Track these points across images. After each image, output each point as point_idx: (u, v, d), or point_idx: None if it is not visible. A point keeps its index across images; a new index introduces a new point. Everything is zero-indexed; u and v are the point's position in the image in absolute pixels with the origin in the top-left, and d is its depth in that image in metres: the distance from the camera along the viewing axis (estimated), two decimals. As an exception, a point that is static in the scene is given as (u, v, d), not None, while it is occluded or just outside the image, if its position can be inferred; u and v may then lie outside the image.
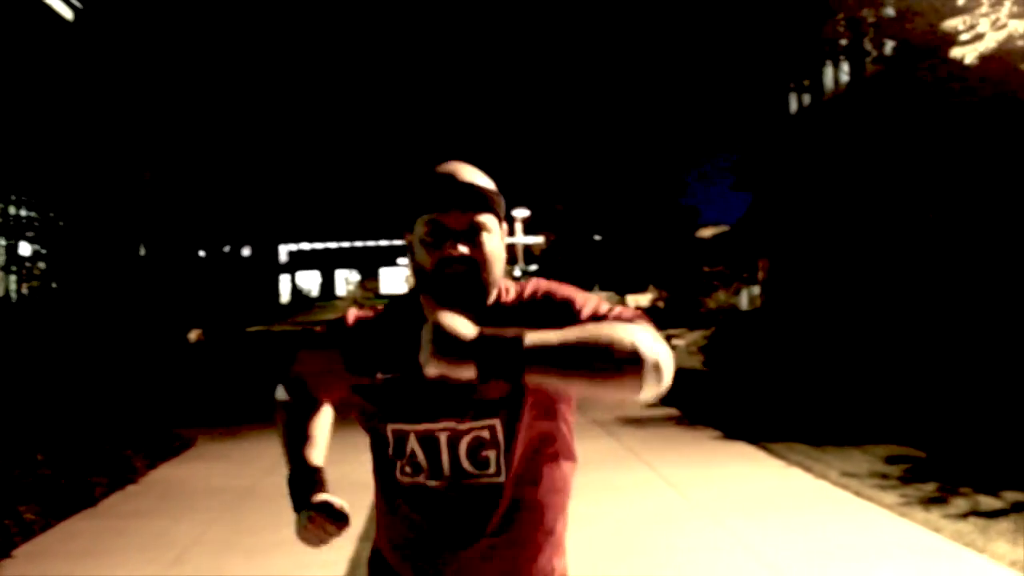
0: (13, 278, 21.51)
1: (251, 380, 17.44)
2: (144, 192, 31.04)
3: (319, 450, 2.25)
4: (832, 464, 9.37)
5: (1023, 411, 11.09)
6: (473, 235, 1.99)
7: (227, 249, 52.35)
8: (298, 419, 2.29)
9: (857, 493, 8.11)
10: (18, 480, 8.74)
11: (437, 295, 1.98)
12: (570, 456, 2.14)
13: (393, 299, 2.22)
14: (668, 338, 23.72)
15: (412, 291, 2.14)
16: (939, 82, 8.35)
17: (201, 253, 49.09)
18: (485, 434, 2.01)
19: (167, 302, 29.16)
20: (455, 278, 1.97)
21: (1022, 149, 9.90)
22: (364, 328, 2.18)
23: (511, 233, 43.77)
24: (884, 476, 8.79)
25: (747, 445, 10.72)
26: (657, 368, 1.81)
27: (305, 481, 2.13)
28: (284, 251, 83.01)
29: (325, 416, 2.34)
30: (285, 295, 79.62)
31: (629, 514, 7.70)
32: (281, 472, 2.26)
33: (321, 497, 2.07)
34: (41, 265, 21.48)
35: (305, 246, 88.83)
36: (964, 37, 6.88)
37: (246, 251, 54.77)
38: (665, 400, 15.02)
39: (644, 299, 50.87)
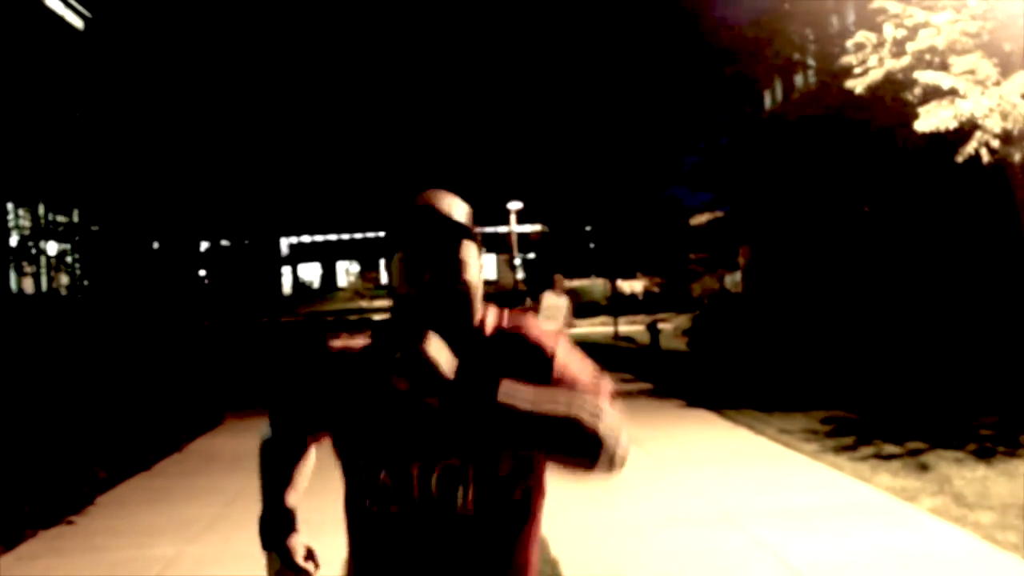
0: (62, 276, 23.04)
1: (260, 367, 19.06)
2: (154, 190, 32.44)
3: (295, 491, 2.32)
4: (774, 424, 11.03)
5: (943, 379, 12.79)
6: (453, 266, 2.04)
7: (227, 243, 53.78)
8: (277, 458, 2.33)
9: (786, 445, 9.79)
10: (87, 447, 10.41)
11: (420, 323, 1.99)
12: (540, 489, 2.14)
13: (377, 327, 2.23)
14: (656, 322, 25.42)
15: (394, 318, 2.15)
16: (841, 107, 9.94)
17: (204, 246, 50.56)
18: (456, 468, 2.02)
19: (180, 294, 30.73)
20: (437, 307, 2.03)
21: (909, 159, 11.55)
22: (345, 364, 2.18)
23: (506, 223, 45.28)
24: (813, 432, 10.46)
25: (706, 411, 12.40)
26: (611, 461, 1.93)
27: (277, 522, 2.23)
28: (285, 244, 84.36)
29: (305, 455, 2.37)
30: (287, 287, 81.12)
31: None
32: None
33: (292, 543, 2.19)
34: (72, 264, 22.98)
35: (306, 238, 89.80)
36: (857, 71, 8.50)
37: (247, 244, 56.01)
38: (641, 376, 16.72)
39: (638, 285, 52.44)
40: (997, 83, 7.89)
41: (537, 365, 2.04)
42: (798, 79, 23.39)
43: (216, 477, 9.65)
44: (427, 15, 79.26)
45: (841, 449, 9.44)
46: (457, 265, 2.05)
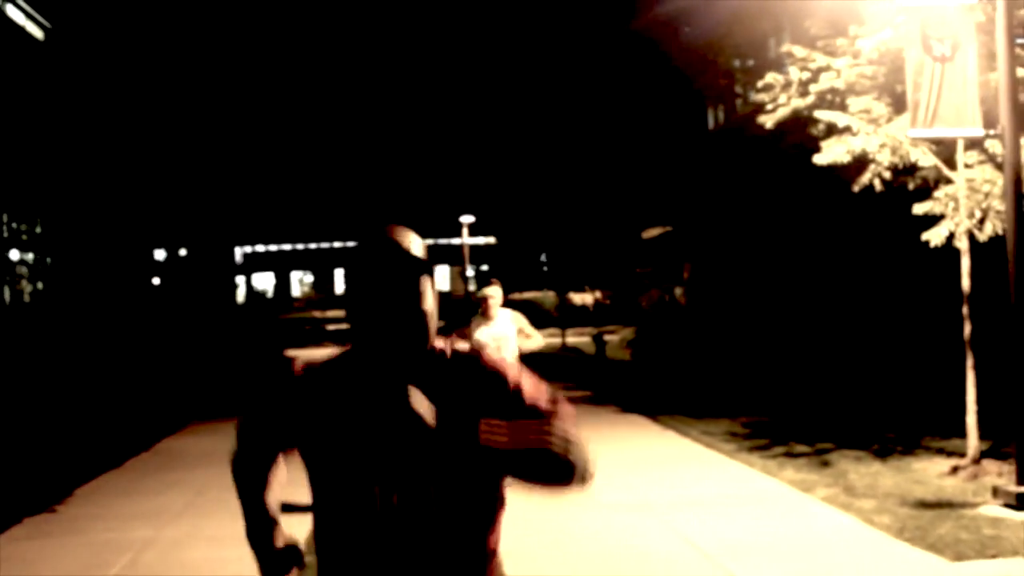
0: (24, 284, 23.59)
1: (227, 380, 19.79)
2: (112, 198, 32.93)
3: (274, 497, 2.41)
4: (699, 428, 12.01)
5: (860, 387, 13.87)
6: (413, 296, 2.17)
7: (184, 252, 54.18)
8: (251, 471, 2.42)
9: (708, 445, 10.77)
10: (61, 446, 11.16)
11: (379, 349, 2.16)
12: (502, 501, 2.27)
13: (338, 358, 2.31)
14: (602, 334, 26.41)
15: (356, 345, 2.25)
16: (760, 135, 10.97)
17: (159, 256, 50.96)
18: (422, 485, 2.13)
19: (138, 302, 31.29)
20: (399, 333, 2.16)
21: (814, 184, 12.68)
22: (314, 385, 2.27)
23: (459, 235, 46.15)
24: (734, 435, 11.45)
25: (640, 417, 13.37)
26: (583, 480, 2.18)
27: (264, 534, 2.35)
28: (239, 253, 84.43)
29: (278, 466, 2.44)
30: (241, 296, 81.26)
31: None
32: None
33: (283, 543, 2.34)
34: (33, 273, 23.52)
35: (260, 248, 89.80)
36: (768, 108, 9.51)
37: (199, 253, 56.34)
38: (582, 384, 17.68)
39: (589, 297, 53.41)
40: (890, 120, 8.92)
41: (499, 392, 2.20)
42: (738, 101, 24.60)
43: (184, 472, 10.42)
44: (381, 29, 79.92)
45: (755, 449, 10.43)
46: (417, 296, 2.17)
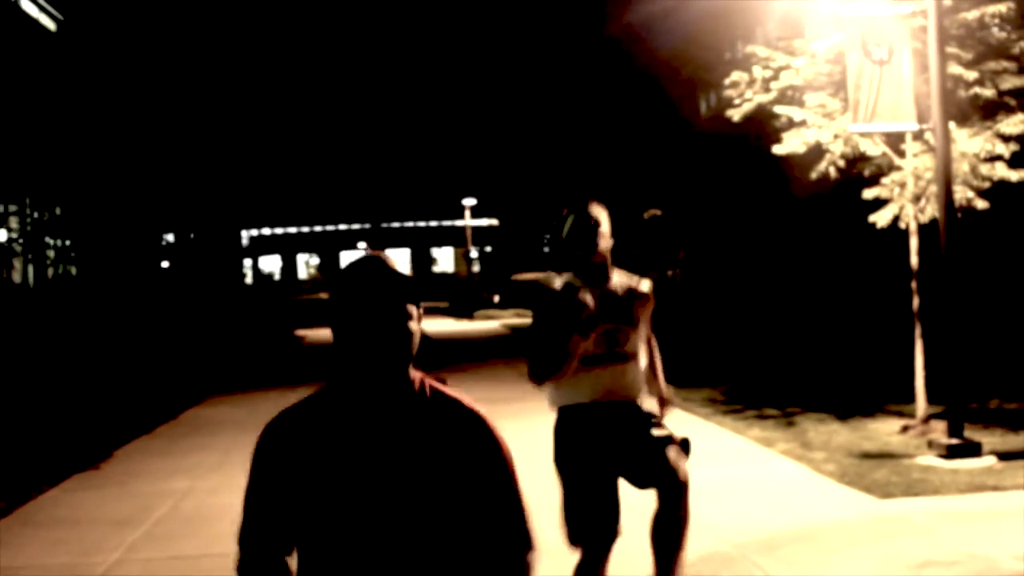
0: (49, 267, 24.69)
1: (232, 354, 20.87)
2: (122, 183, 33.90)
3: None
4: (680, 396, 12.92)
5: (825, 359, 14.92)
6: (399, 320, 2.19)
7: (192, 235, 55.14)
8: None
9: (686, 410, 11.73)
10: (96, 416, 12.28)
11: (363, 370, 2.19)
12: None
13: (312, 401, 2.28)
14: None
15: (340, 378, 2.26)
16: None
17: (169, 238, 51.95)
18: (410, 533, 2.16)
19: (152, 285, 32.36)
20: (383, 357, 2.18)
21: (777, 170, 13.71)
22: (311, 457, 2.19)
23: (461, 217, 47.18)
24: (712, 400, 12.53)
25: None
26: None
27: None
28: (246, 236, 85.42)
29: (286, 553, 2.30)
30: (248, 278, 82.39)
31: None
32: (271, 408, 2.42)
33: None
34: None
35: (266, 231, 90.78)
36: (736, 103, 10.50)
37: (206, 237, 57.29)
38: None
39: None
40: (844, 114, 9.89)
41: (476, 442, 2.25)
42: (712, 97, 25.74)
43: (210, 437, 11.50)
44: (384, 13, 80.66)
45: (728, 412, 11.51)
46: (402, 318, 2.19)
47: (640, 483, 4.47)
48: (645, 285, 4.68)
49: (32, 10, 32.81)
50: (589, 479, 4.37)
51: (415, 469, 2.15)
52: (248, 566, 2.25)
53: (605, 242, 4.50)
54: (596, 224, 4.49)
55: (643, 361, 4.63)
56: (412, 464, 2.16)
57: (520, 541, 2.27)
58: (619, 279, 4.61)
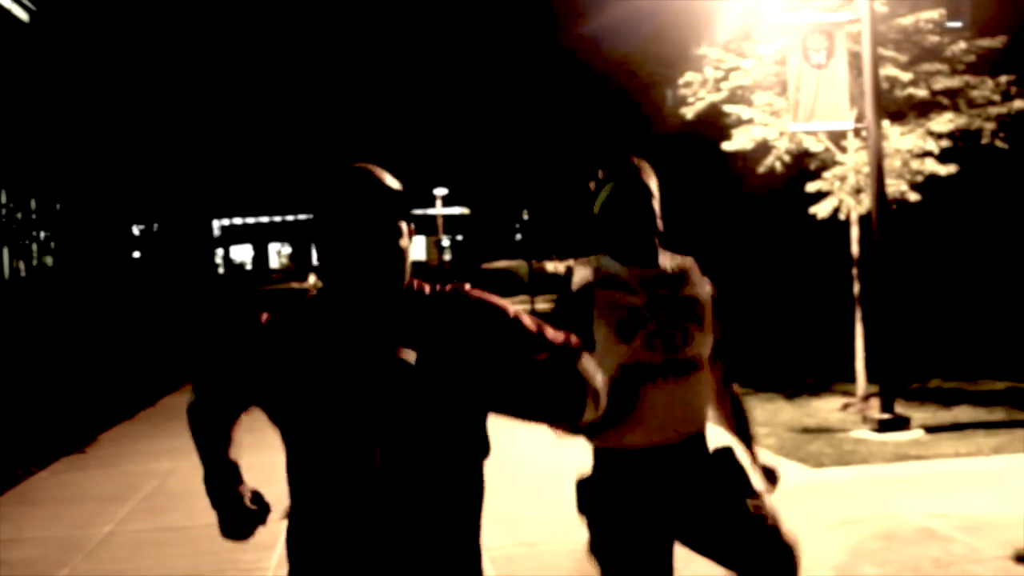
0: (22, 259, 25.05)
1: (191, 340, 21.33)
2: (91, 173, 34.15)
3: (234, 446, 2.33)
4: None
5: (777, 341, 15.63)
6: (389, 239, 2.05)
7: (159, 226, 55.24)
8: (209, 420, 2.33)
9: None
10: (75, 402, 12.78)
11: (354, 288, 2.04)
12: (486, 449, 2.15)
13: (308, 303, 2.19)
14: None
15: (326, 290, 2.15)
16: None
17: (136, 231, 52.11)
18: (408, 441, 2.00)
19: (124, 275, 32.70)
20: (374, 272, 2.03)
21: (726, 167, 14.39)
22: (281, 340, 2.12)
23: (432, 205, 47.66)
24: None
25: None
26: (596, 404, 2.06)
27: (222, 477, 2.28)
28: (217, 225, 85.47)
29: (238, 420, 2.34)
30: (220, 268, 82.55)
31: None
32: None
33: (241, 490, 2.24)
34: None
35: (237, 220, 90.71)
36: (689, 101, 11.11)
37: (177, 227, 57.33)
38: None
39: (561, 266, 55.03)
40: (789, 112, 10.53)
41: (495, 322, 2.07)
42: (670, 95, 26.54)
43: (190, 421, 12.03)
44: (355, 5, 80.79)
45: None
46: (394, 232, 2.06)
47: (721, 560, 3.13)
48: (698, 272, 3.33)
49: (5, 1, 32.96)
50: (641, 568, 3.07)
51: (407, 354, 1.97)
52: (199, 407, 2.36)
53: (658, 220, 3.23)
54: (648, 194, 3.21)
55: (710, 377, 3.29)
56: (404, 348, 1.98)
57: (559, 355, 2.05)
58: (669, 261, 3.29)
